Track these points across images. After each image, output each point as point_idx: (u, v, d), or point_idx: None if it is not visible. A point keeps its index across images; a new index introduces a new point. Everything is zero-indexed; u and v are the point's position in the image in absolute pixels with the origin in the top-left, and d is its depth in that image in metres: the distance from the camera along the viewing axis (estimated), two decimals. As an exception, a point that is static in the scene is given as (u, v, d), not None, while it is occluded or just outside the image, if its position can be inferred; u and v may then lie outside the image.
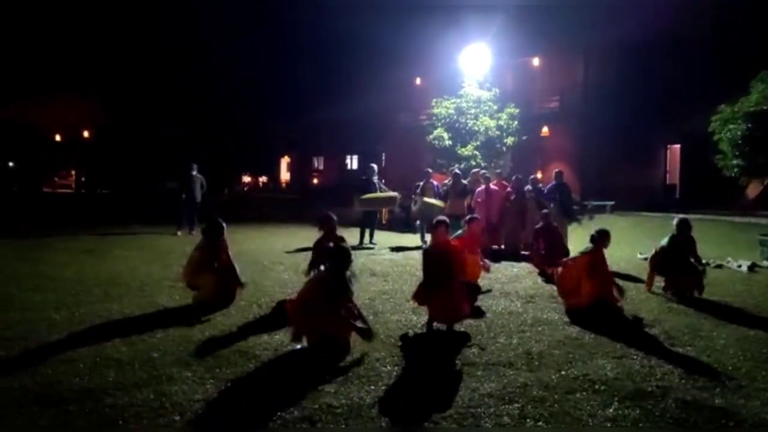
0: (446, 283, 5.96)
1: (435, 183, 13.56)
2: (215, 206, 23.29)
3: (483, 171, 14.21)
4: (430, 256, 6.19)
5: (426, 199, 12.83)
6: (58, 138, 43.05)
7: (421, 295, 6.14)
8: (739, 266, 10.22)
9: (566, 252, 9.21)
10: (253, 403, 4.17)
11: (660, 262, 8.05)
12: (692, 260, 7.91)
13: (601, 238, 7.07)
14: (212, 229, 7.11)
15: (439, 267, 6.04)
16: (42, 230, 14.55)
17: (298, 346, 5.29)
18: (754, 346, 5.66)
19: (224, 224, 7.17)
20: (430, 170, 14.17)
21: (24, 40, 35.91)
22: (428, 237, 12.88)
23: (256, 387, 4.47)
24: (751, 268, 10.05)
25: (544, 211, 10.38)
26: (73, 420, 3.87)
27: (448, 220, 6.58)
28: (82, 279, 8.33)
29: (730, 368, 5.03)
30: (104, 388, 4.31)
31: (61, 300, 7.02)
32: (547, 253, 9.33)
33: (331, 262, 5.47)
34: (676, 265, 7.85)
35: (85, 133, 40.84)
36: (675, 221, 8.20)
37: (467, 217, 8.50)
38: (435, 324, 6.07)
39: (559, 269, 7.47)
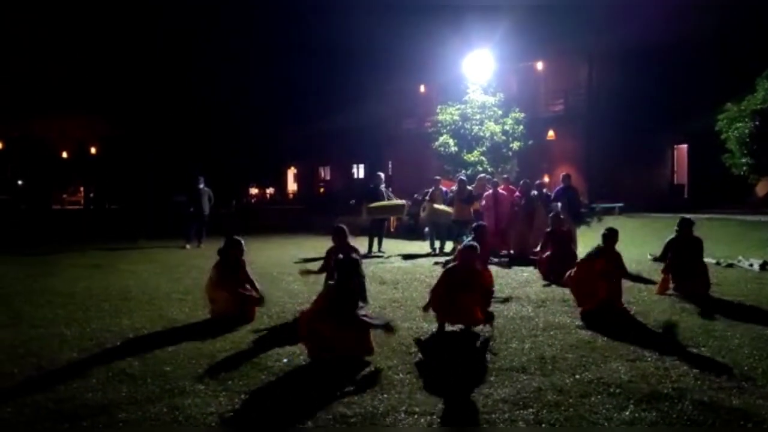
0: (467, 293, 5.99)
1: (444, 189, 13.61)
2: (230, 218, 23.39)
3: (488, 176, 14.21)
4: (453, 275, 6.18)
5: (435, 205, 12.88)
6: (65, 154, 43.24)
7: (436, 303, 6.13)
8: (751, 265, 10.14)
9: (575, 258, 9.05)
10: (266, 414, 4.16)
11: (668, 263, 8.02)
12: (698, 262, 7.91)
13: (612, 237, 7.06)
14: (229, 247, 6.97)
15: (459, 284, 6.05)
16: (51, 246, 14.62)
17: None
18: (770, 345, 5.61)
19: (242, 241, 7.04)
20: (438, 177, 14.21)
21: (25, 57, 36.00)
22: (437, 243, 12.93)
23: (268, 398, 4.45)
24: (763, 266, 9.95)
25: (552, 213, 10.29)
26: (87, 435, 3.87)
27: (478, 247, 6.50)
28: (92, 294, 8.35)
29: (745, 368, 4.97)
30: (117, 403, 4.30)
31: (72, 315, 7.03)
32: (552, 264, 9.15)
33: (339, 274, 5.45)
34: (683, 266, 7.81)
35: (92, 149, 41.01)
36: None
37: (473, 225, 8.48)
38: (447, 326, 6.07)
39: (573, 271, 7.36)
